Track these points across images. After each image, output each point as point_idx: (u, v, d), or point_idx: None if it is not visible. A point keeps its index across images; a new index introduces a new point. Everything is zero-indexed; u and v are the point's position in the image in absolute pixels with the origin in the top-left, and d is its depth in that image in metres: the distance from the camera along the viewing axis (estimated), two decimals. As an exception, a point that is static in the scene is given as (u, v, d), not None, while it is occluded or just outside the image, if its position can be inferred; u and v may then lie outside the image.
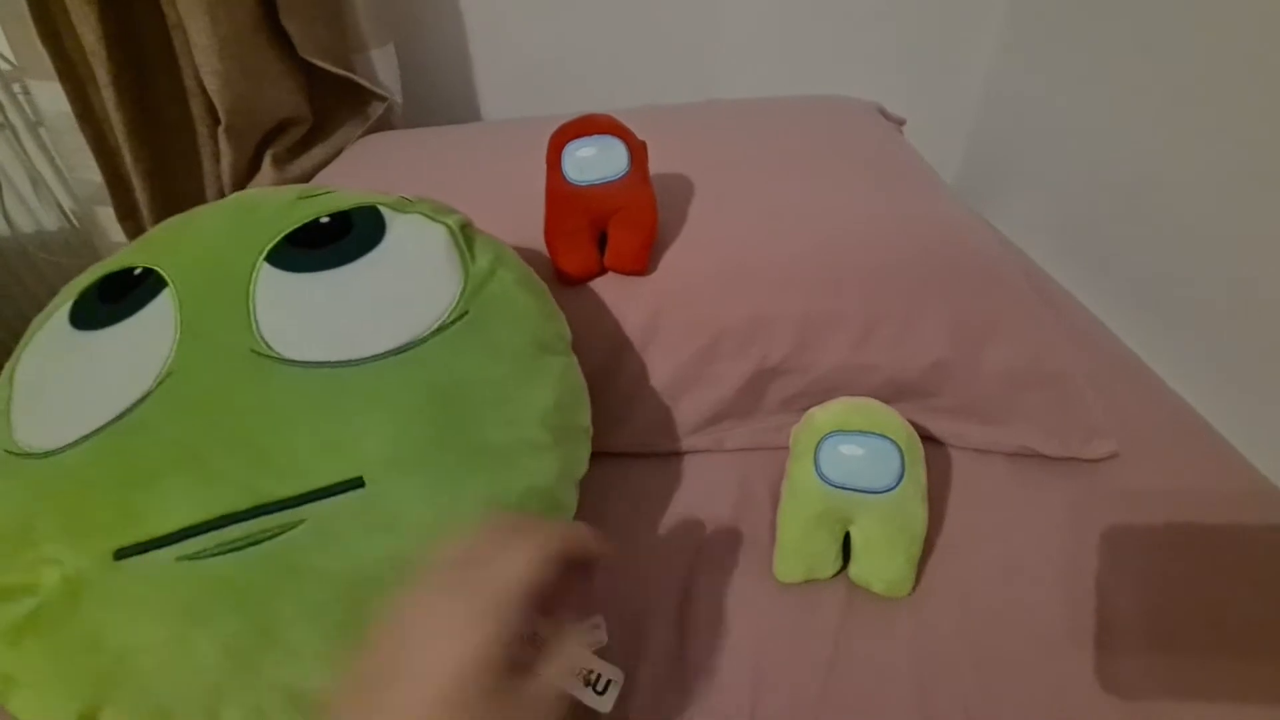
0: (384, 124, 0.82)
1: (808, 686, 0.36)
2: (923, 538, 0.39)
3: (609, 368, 0.47)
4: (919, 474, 0.38)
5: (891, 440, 0.38)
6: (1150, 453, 0.47)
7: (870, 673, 0.36)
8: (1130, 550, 0.41)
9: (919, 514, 0.38)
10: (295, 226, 0.37)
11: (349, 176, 0.68)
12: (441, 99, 0.92)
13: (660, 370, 0.47)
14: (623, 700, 0.35)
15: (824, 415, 0.39)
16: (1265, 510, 0.44)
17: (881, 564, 0.38)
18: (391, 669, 0.22)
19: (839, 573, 0.40)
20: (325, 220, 0.37)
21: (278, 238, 0.36)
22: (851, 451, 0.38)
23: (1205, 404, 0.53)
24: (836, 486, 0.38)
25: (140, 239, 0.40)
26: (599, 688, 0.34)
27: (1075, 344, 0.56)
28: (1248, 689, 0.35)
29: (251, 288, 0.34)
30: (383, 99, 0.80)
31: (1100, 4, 0.68)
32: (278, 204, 0.38)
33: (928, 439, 0.49)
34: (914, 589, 0.39)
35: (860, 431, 0.38)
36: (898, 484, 0.37)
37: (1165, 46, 0.60)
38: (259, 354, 0.32)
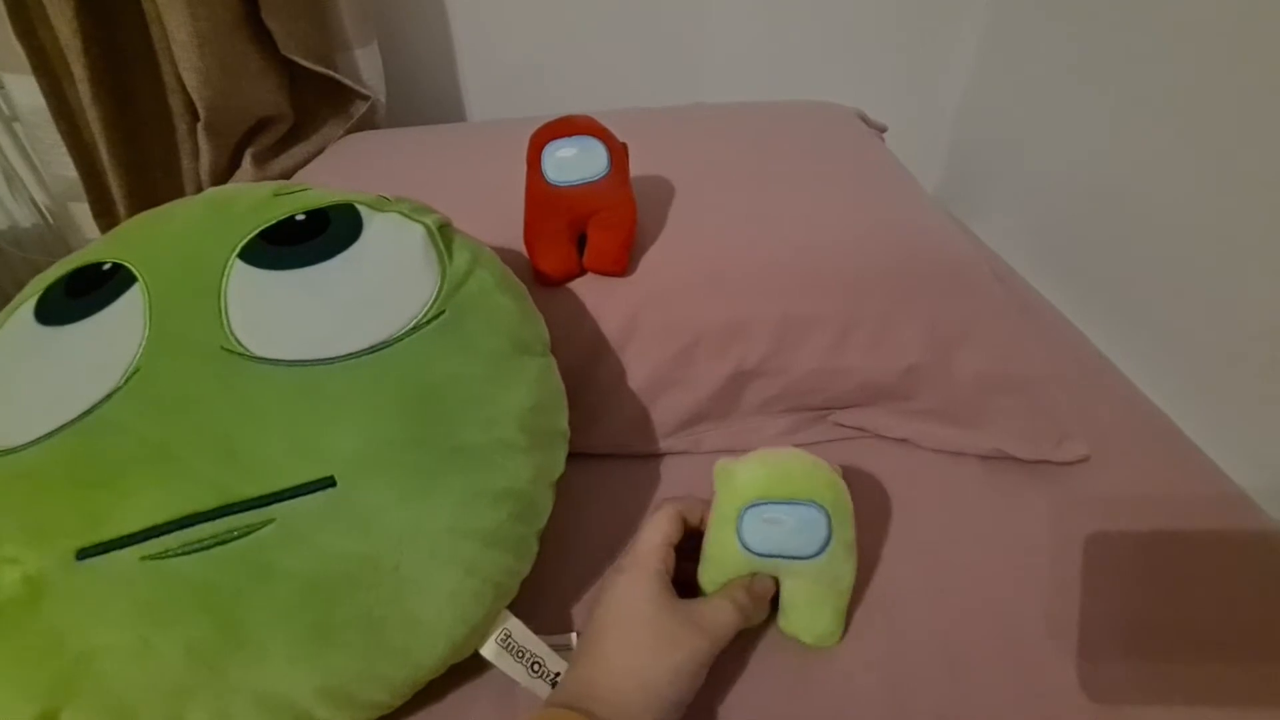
0: (367, 123, 0.81)
1: (773, 690, 0.36)
2: (850, 589, 0.37)
3: (587, 369, 0.47)
4: (846, 533, 0.36)
5: (818, 505, 0.35)
6: (1122, 457, 0.48)
7: (842, 677, 0.36)
8: (1102, 554, 0.42)
9: (846, 571, 0.37)
10: (270, 223, 0.36)
11: (330, 175, 0.68)
12: (426, 99, 0.92)
13: (638, 372, 0.47)
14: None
15: (746, 477, 0.36)
16: (1232, 515, 0.45)
17: (809, 620, 0.37)
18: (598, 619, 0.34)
19: (772, 619, 0.38)
20: (301, 217, 0.37)
21: (252, 234, 0.35)
22: (776, 519, 0.35)
23: (1175, 409, 0.54)
24: (761, 555, 0.35)
25: (110, 233, 0.39)
26: (552, 682, 0.34)
27: (1049, 349, 0.57)
28: (1221, 691, 0.35)
29: (223, 284, 0.34)
30: (365, 98, 0.79)
31: (1081, 15, 0.69)
32: (253, 200, 0.38)
33: (903, 441, 0.49)
34: (843, 637, 0.38)
35: (785, 501, 0.35)
36: (825, 549, 0.35)
37: (1144, 58, 0.61)
38: (230, 351, 0.32)
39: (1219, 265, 0.54)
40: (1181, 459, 0.49)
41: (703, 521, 0.38)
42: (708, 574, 0.37)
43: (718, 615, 0.34)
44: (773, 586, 0.37)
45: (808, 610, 0.37)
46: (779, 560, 0.36)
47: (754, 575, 0.37)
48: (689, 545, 0.38)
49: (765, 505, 0.35)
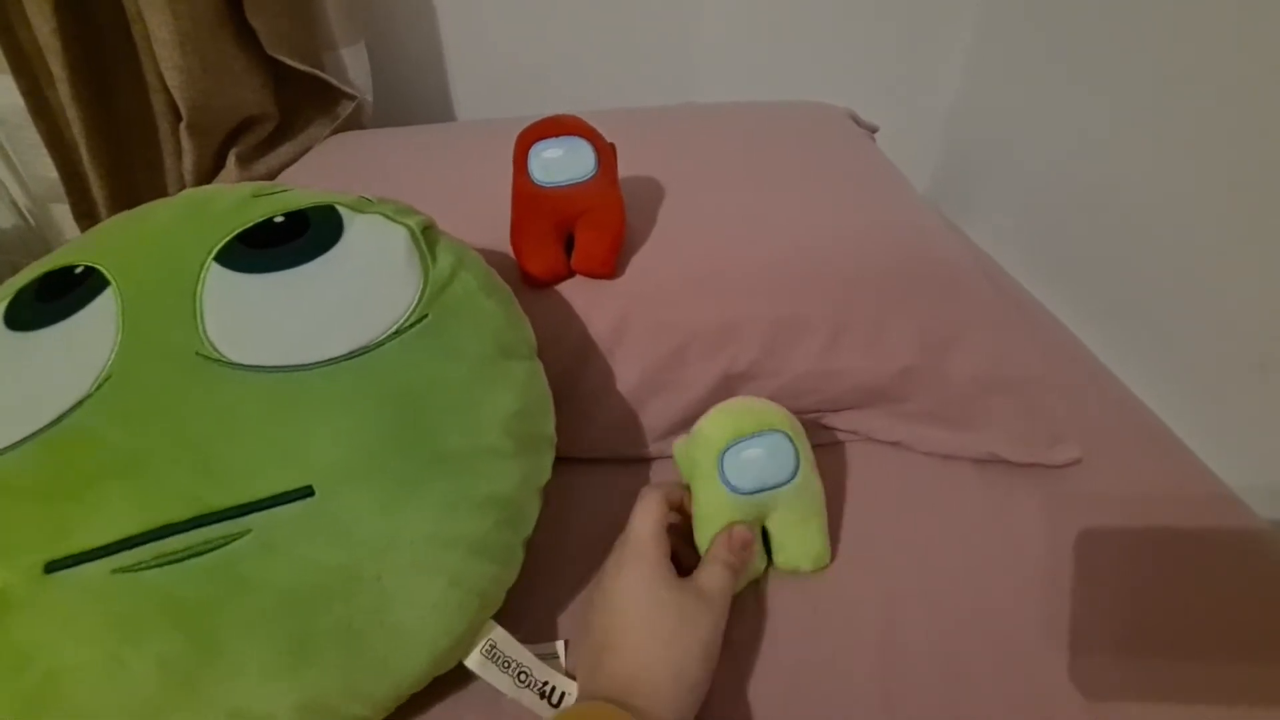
0: (354, 123, 0.80)
1: (769, 697, 0.35)
2: (824, 505, 0.41)
3: (575, 372, 0.46)
4: (807, 451, 0.40)
5: (782, 432, 0.38)
6: (1114, 459, 0.48)
7: (834, 681, 0.36)
8: (1095, 556, 0.42)
9: (818, 486, 0.40)
10: (248, 225, 0.35)
11: (315, 176, 0.67)
12: (415, 99, 0.91)
13: (627, 374, 0.47)
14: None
15: (713, 428, 0.39)
16: (1223, 515, 0.44)
17: (802, 544, 0.40)
18: (599, 606, 0.34)
19: (769, 565, 0.41)
20: (280, 219, 0.36)
21: (229, 236, 0.35)
22: (754, 455, 0.38)
23: (1166, 410, 0.53)
24: (749, 493, 0.38)
25: (84, 235, 0.38)
26: (554, 700, 0.33)
27: (1041, 351, 0.56)
28: (1214, 690, 0.35)
29: (199, 288, 0.33)
30: (352, 98, 0.78)
31: (1073, 15, 0.69)
32: (231, 201, 0.37)
33: (896, 444, 0.49)
34: (832, 558, 0.41)
35: (755, 434, 0.38)
36: (798, 470, 0.38)
37: (1136, 59, 0.61)
38: (205, 357, 0.31)
39: (1211, 266, 0.53)
40: (1173, 460, 0.49)
41: (685, 503, 0.40)
42: (704, 534, 0.39)
43: (714, 582, 0.35)
44: (749, 533, 0.38)
45: (799, 533, 0.39)
46: (764, 495, 0.38)
47: (730, 525, 0.38)
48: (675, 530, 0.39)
49: (740, 443, 0.38)
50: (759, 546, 0.40)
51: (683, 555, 0.38)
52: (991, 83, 0.85)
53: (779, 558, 0.40)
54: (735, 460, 0.38)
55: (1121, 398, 0.55)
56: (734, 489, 0.38)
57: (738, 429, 0.38)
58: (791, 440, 0.38)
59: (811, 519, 0.40)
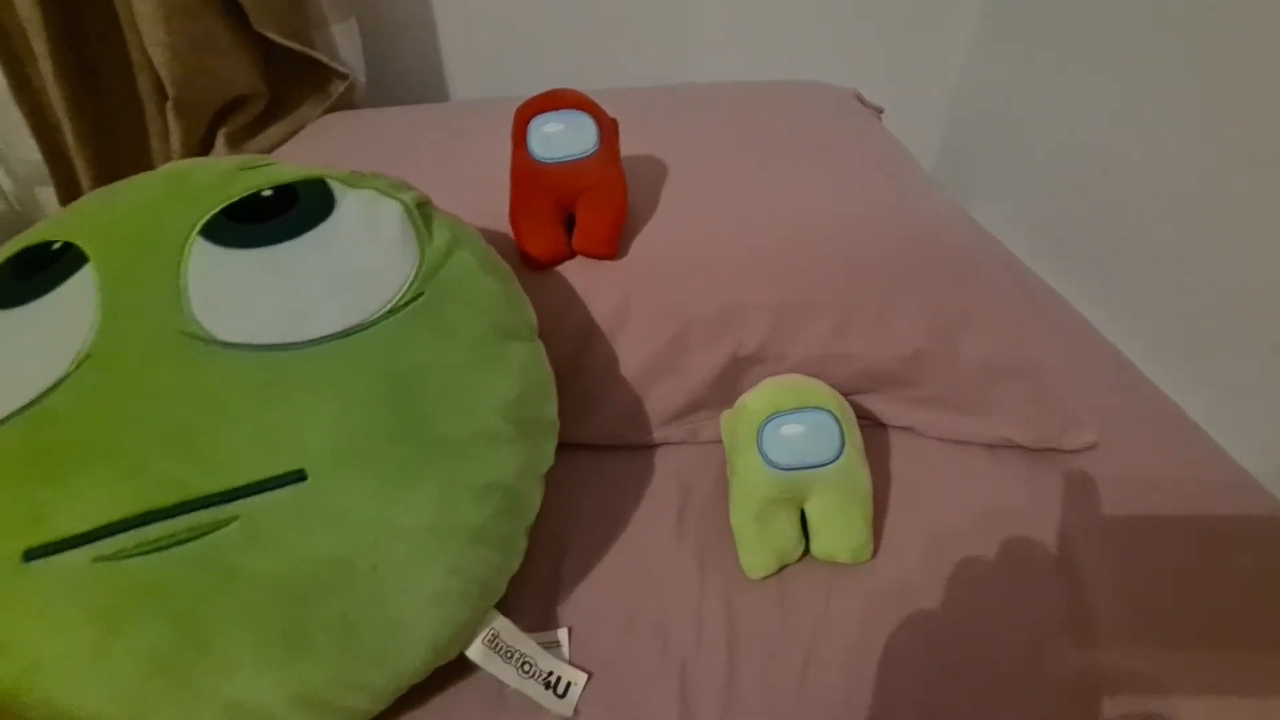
0: (345, 103, 0.78)
1: (784, 686, 0.34)
2: (871, 497, 0.39)
3: (577, 355, 0.45)
4: (856, 437, 0.39)
5: (827, 411, 0.38)
6: (1128, 443, 0.47)
7: (845, 670, 0.35)
8: (1109, 540, 0.41)
9: (864, 475, 0.39)
10: (234, 199, 0.34)
11: (306, 156, 0.65)
12: (410, 78, 0.89)
13: (631, 358, 0.45)
14: (594, 701, 0.33)
15: (756, 401, 0.39)
16: (1240, 500, 0.43)
17: (842, 533, 0.39)
18: None
19: (806, 551, 0.40)
20: (268, 193, 0.34)
21: (214, 210, 0.33)
22: (793, 431, 0.37)
23: (1181, 394, 0.52)
24: (786, 469, 0.37)
25: (62, 210, 0.37)
26: (559, 690, 0.32)
27: (1053, 335, 0.55)
28: (1228, 677, 0.34)
29: (183, 264, 0.31)
30: (344, 77, 0.76)
31: (1078, -6, 0.67)
32: (216, 175, 0.35)
33: (907, 429, 0.48)
34: (874, 552, 0.40)
35: (796, 409, 0.38)
36: (841, 452, 0.37)
37: (1141, 40, 0.59)
38: (189, 335, 0.30)
39: (1225, 246, 0.52)
40: (1187, 443, 0.48)
41: None
42: (740, 506, 0.39)
43: None
44: None
45: (840, 521, 0.38)
46: (803, 473, 0.38)
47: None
48: None
49: (780, 417, 0.38)
50: (797, 529, 0.39)
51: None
52: (996, 63, 0.83)
53: (815, 545, 0.39)
54: (774, 435, 0.38)
55: (1135, 381, 0.54)
56: (772, 464, 0.37)
57: (779, 403, 0.38)
58: (838, 422, 0.38)
59: (853, 508, 0.39)
